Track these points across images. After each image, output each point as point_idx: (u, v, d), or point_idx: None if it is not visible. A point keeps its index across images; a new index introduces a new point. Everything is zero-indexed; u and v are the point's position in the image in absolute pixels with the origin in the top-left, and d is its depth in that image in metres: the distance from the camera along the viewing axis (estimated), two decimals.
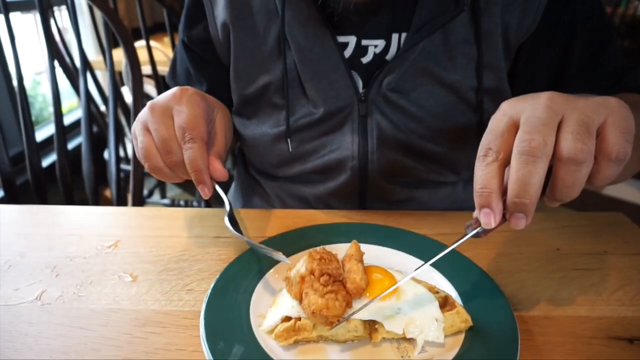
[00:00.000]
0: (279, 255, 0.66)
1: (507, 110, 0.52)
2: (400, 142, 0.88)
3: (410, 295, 0.59)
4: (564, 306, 0.66)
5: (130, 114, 1.69)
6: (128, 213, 0.91)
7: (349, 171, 0.90)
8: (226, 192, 1.30)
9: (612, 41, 0.86)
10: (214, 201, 2.57)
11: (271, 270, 0.69)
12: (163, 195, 2.97)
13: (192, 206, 2.58)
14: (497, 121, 0.53)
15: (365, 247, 0.73)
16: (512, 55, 0.87)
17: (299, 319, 0.57)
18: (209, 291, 0.64)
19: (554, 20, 0.83)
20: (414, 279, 0.64)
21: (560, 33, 0.84)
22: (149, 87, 2.14)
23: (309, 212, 0.90)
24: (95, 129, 2.75)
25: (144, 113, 0.69)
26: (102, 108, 2.19)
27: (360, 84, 0.87)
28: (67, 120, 2.89)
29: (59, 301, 0.67)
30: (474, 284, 0.66)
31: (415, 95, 0.86)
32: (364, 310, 0.56)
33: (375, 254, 0.73)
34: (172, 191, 3.14)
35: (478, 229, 0.57)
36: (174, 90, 0.69)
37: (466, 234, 0.59)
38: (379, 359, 0.55)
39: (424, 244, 0.76)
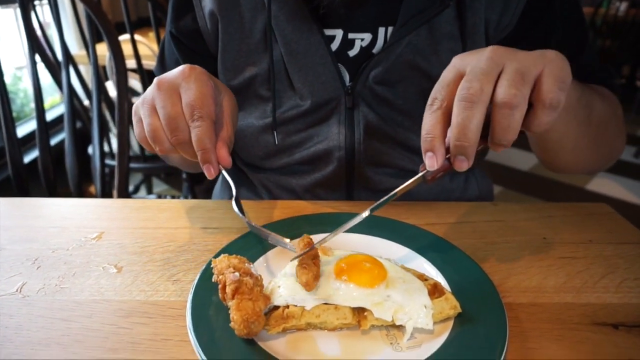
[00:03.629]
0: (285, 242, 0.66)
1: (456, 63, 0.56)
2: (387, 133, 0.88)
3: (399, 282, 0.59)
4: (551, 293, 0.66)
5: (114, 108, 1.66)
6: (113, 205, 0.89)
7: (336, 162, 0.90)
8: (214, 184, 1.29)
9: (588, 44, 0.88)
10: (201, 196, 2.55)
11: (260, 259, 0.68)
12: (149, 191, 2.94)
13: None
14: (446, 72, 0.56)
15: (353, 237, 0.73)
16: None
17: (287, 306, 0.56)
18: (196, 280, 0.63)
19: (532, 20, 0.84)
20: (403, 267, 0.64)
21: (538, 34, 0.85)
22: (134, 82, 2.11)
23: (296, 203, 0.90)
24: (79, 124, 2.71)
25: (150, 91, 0.65)
26: (86, 103, 2.15)
27: (347, 76, 0.87)
28: (51, 115, 2.84)
29: (41, 293, 0.65)
30: (463, 272, 0.66)
31: (401, 88, 0.86)
32: (351, 299, 0.56)
33: (363, 243, 0.73)
34: (159, 187, 3.11)
35: (424, 171, 0.60)
36: (182, 67, 0.66)
37: (416, 176, 0.62)
38: (368, 345, 0.55)
39: (412, 232, 0.75)
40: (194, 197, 2.36)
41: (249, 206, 0.88)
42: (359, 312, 0.57)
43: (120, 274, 0.69)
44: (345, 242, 0.72)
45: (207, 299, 0.59)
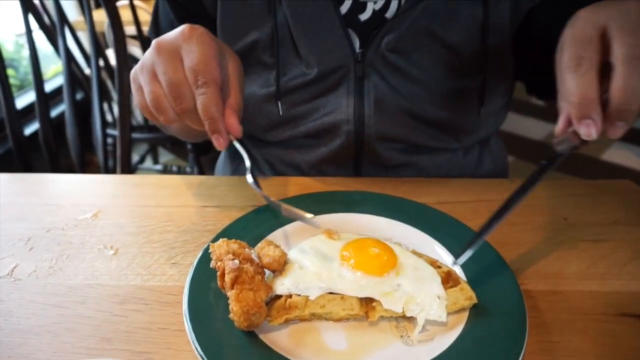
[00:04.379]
0: (306, 218, 0.62)
1: (590, 17, 0.51)
2: (399, 106, 0.82)
3: (411, 270, 0.55)
4: (573, 280, 0.62)
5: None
6: (111, 181, 0.86)
7: (344, 136, 0.84)
8: (215, 161, 1.24)
9: None
10: (207, 166, 2.52)
11: (261, 243, 0.64)
12: (155, 161, 2.92)
13: (184, 172, 2.53)
14: (581, 29, 0.52)
15: (362, 218, 0.69)
16: (519, 18, 0.81)
17: (290, 296, 0.52)
18: (193, 266, 0.59)
19: None
20: (414, 252, 0.59)
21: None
22: (135, 49, 2.04)
23: (301, 180, 0.85)
24: (81, 95, 2.66)
25: (148, 55, 0.60)
26: (88, 71, 2.09)
27: (357, 43, 0.81)
28: (54, 84, 2.78)
29: (33, 277, 0.62)
30: (478, 257, 0.61)
31: (416, 57, 0.80)
32: (358, 288, 0.52)
33: (372, 225, 0.68)
34: (165, 157, 3.08)
35: (576, 142, 0.54)
36: (181, 28, 0.60)
37: (559, 152, 0.56)
38: (376, 338, 0.51)
39: (423, 213, 0.71)
40: (200, 168, 2.32)
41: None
42: (367, 302, 0.53)
43: (116, 256, 0.66)
44: (352, 224, 0.68)
45: (205, 286, 0.56)
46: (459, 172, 0.92)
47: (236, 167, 1.04)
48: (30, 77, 1.38)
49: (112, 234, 0.70)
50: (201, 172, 2.32)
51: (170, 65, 0.58)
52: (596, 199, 0.79)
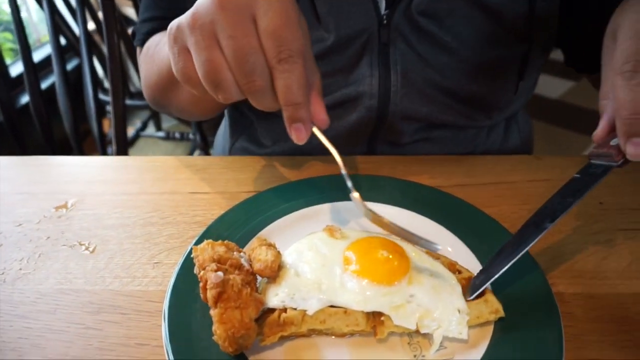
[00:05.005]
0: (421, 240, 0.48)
1: None
2: (428, 78, 0.72)
3: (426, 277, 0.47)
4: (612, 280, 0.54)
5: None
6: (91, 164, 0.77)
7: (364, 111, 0.74)
8: (215, 132, 1.15)
9: None
10: (209, 133, 2.43)
11: (253, 242, 0.56)
12: (158, 128, 2.83)
13: (187, 139, 2.44)
14: None
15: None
16: None
17: (285, 310, 0.45)
18: (176, 271, 0.52)
19: None
20: (430, 253, 0.51)
21: None
22: (129, 9, 1.91)
23: (303, 160, 0.76)
24: (73, 64, 2.55)
25: (205, 8, 0.44)
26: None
27: (382, 3, 0.69)
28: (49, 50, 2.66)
29: (0, 281, 0.55)
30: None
31: (450, 22, 0.68)
32: (364, 301, 0.44)
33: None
34: (168, 122, 2.99)
35: (617, 160, 0.47)
36: None
37: (597, 172, 0.49)
38: (385, 358, 0.44)
39: (438, 200, 0.62)
40: (202, 134, 2.23)
41: (247, 163, 0.75)
42: (375, 315, 0.46)
43: (93, 255, 0.59)
44: (355, 216, 0.59)
45: (188, 297, 0.48)
46: (483, 149, 0.83)
47: (235, 141, 0.95)
48: (30, 40, 1.29)
49: (90, 227, 0.63)
50: (203, 139, 2.23)
51: (239, 27, 0.43)
52: (635, 179, 0.70)
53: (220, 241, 0.49)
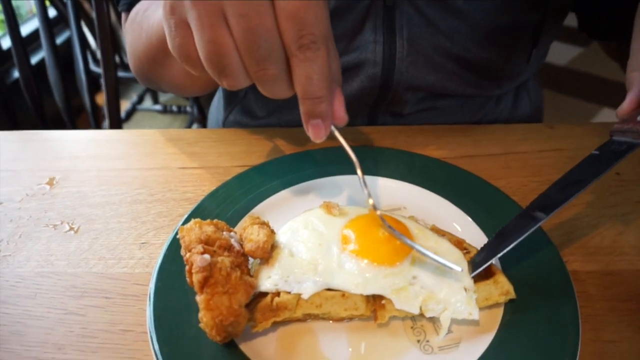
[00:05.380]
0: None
1: None
2: (437, 45, 0.67)
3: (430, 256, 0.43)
4: (630, 256, 0.50)
5: None
6: (77, 139, 0.73)
7: (367, 80, 0.69)
8: (209, 104, 1.10)
9: None
10: (207, 105, 2.37)
11: (245, 221, 0.52)
12: (155, 101, 2.77)
13: (185, 112, 2.39)
14: None
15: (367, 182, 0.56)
16: None
17: (278, 294, 0.42)
18: (163, 252, 0.48)
19: None
20: (435, 229, 0.48)
21: None
22: None
23: (300, 132, 0.71)
24: (66, 36, 2.47)
25: None
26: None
27: None
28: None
29: None
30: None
31: None
32: (363, 284, 0.41)
33: (380, 191, 0.56)
34: (165, 96, 2.93)
35: None
36: None
37: (620, 149, 0.45)
38: (386, 344, 0.41)
39: (443, 173, 0.58)
40: (199, 107, 2.18)
41: (239, 134, 0.71)
42: (375, 299, 0.42)
43: (77, 235, 0.55)
44: (355, 190, 0.56)
45: (176, 280, 0.45)
46: (491, 118, 0.78)
47: (229, 113, 0.91)
48: (22, 12, 1.23)
49: (74, 206, 0.60)
50: (201, 112, 2.18)
51: (252, 4, 0.36)
52: None
53: (208, 220, 0.46)
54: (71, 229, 0.56)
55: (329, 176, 0.58)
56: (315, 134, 0.41)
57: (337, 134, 0.44)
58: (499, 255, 0.43)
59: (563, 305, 0.42)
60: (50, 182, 0.63)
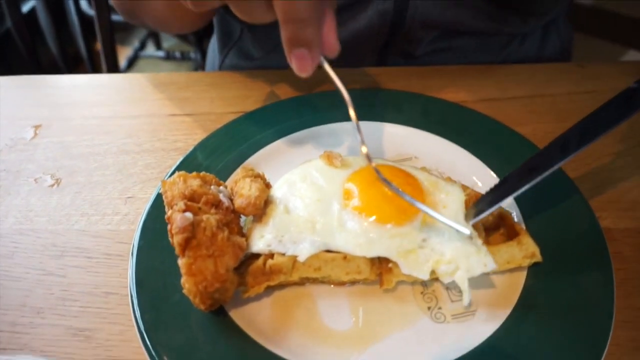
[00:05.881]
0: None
1: None
2: None
3: (441, 210, 0.38)
4: None
5: None
6: (59, 84, 0.68)
7: (375, 16, 0.61)
8: (205, 48, 1.03)
9: None
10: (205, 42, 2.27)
11: (238, 173, 0.47)
12: (158, 47, 2.67)
13: (189, 58, 2.30)
14: None
15: (373, 128, 0.51)
16: None
17: (271, 255, 0.37)
18: (146, 209, 0.44)
19: None
20: (449, 180, 0.42)
21: None
22: None
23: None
24: None
25: None
26: None
27: None
28: None
29: None
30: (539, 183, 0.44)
31: None
32: (367, 245, 0.36)
33: (388, 139, 0.50)
34: (168, 42, 2.82)
35: None
36: None
37: None
38: (393, 312, 0.37)
39: (461, 118, 0.52)
40: (203, 54, 2.09)
41: (234, 77, 0.64)
42: (381, 261, 0.38)
43: (58, 189, 0.51)
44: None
45: (160, 240, 0.41)
46: (515, 59, 0.70)
47: (224, 56, 0.84)
48: None
49: (56, 157, 0.55)
50: (204, 58, 2.09)
51: None
52: None
53: (195, 173, 0.41)
54: (54, 182, 0.52)
55: (331, 123, 0.52)
56: (300, 66, 0.36)
57: (326, 66, 0.38)
58: (505, 200, 0.36)
59: (595, 268, 0.37)
60: (31, 132, 0.58)
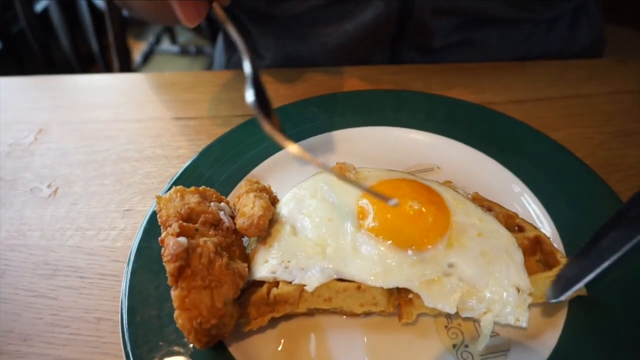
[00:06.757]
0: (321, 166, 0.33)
1: None
2: None
3: (472, 237, 0.33)
4: None
5: None
6: (61, 85, 0.65)
7: (381, 5, 0.56)
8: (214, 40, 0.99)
9: None
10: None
11: (241, 186, 0.43)
12: (173, 41, 2.65)
13: (202, 53, 2.28)
14: None
15: (391, 134, 0.46)
16: None
17: (276, 284, 0.33)
18: (144, 224, 0.40)
19: None
20: (477, 197, 0.38)
21: None
22: None
23: (309, 73, 0.60)
24: None
25: None
26: None
27: None
28: None
29: None
30: (581, 200, 0.39)
31: None
32: (384, 274, 0.32)
33: (408, 147, 0.46)
34: (183, 36, 2.79)
35: None
36: None
37: None
38: (414, 349, 0.32)
39: (488, 122, 0.47)
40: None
41: (241, 76, 0.60)
42: (400, 292, 0.33)
43: (54, 200, 0.48)
44: (376, 145, 0.45)
45: (156, 263, 0.37)
46: (540, 51, 0.64)
47: (231, 55, 0.80)
48: None
49: (53, 164, 0.52)
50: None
51: None
52: None
53: (193, 188, 0.37)
54: (50, 194, 0.49)
55: (346, 128, 0.47)
56: (183, 12, 0.33)
57: (218, 11, 0.34)
58: (595, 273, 0.29)
59: None
60: (30, 137, 0.55)
